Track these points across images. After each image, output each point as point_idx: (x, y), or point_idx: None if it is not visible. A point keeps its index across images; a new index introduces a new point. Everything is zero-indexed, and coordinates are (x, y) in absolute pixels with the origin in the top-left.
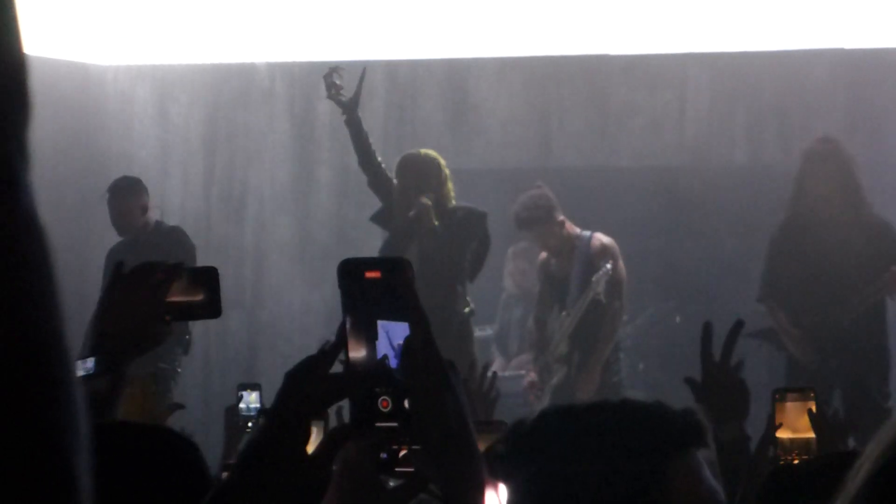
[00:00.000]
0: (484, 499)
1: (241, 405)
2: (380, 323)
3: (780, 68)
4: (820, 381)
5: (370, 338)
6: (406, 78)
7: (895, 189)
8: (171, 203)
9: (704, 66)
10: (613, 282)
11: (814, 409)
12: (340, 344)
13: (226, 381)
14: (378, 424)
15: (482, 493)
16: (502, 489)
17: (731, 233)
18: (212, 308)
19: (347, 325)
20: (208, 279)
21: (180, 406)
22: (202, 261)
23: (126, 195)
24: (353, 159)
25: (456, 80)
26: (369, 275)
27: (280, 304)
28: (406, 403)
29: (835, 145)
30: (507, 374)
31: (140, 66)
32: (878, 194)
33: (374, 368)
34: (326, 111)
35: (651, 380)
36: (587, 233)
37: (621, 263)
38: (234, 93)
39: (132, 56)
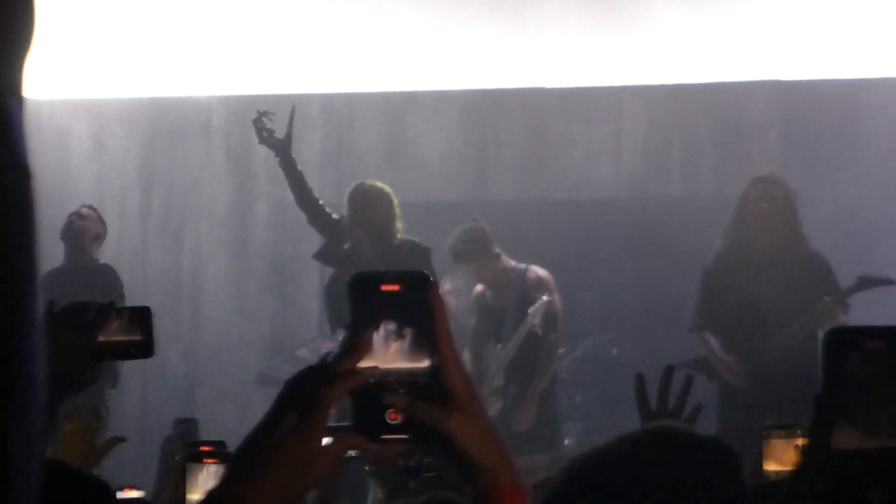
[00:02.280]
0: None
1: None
2: (392, 339)
3: (715, 100)
4: (752, 412)
5: (380, 351)
6: (343, 110)
7: (829, 221)
8: (107, 237)
9: (640, 99)
10: (549, 314)
11: (800, 443)
12: (345, 354)
13: (163, 415)
14: (384, 437)
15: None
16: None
17: (668, 264)
18: (145, 348)
19: (355, 337)
20: (141, 318)
21: (122, 439)
22: (139, 294)
23: (90, 219)
24: (290, 193)
25: (392, 113)
26: (386, 288)
27: (218, 337)
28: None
29: (780, 180)
30: None
31: (76, 100)
32: (813, 226)
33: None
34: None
35: (588, 412)
36: (523, 265)
37: (557, 296)
38: (170, 126)
39: (68, 90)
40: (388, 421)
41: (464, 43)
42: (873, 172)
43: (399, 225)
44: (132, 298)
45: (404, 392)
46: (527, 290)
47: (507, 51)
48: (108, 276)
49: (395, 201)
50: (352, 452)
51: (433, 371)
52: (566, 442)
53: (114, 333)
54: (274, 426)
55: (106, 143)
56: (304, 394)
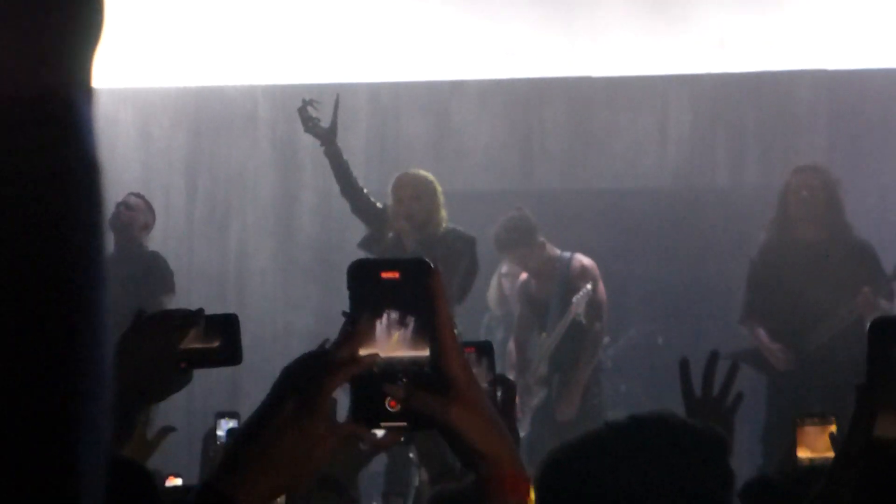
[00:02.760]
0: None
1: (219, 432)
2: (394, 328)
3: (761, 89)
4: (798, 402)
5: (382, 339)
6: (388, 100)
7: (876, 210)
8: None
9: (686, 88)
10: (594, 303)
11: (833, 431)
12: (344, 341)
13: (207, 405)
14: (384, 424)
15: (521, 490)
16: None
17: (713, 254)
18: (232, 355)
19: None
20: (227, 326)
21: (172, 429)
22: (184, 283)
23: (139, 209)
24: (335, 183)
25: (438, 102)
26: (386, 275)
27: (262, 327)
28: None
29: (821, 169)
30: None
31: (123, 90)
32: (859, 216)
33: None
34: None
35: (633, 402)
36: (567, 254)
37: (601, 285)
38: (216, 116)
39: (115, 79)
40: (388, 408)
41: (510, 32)
42: None
43: (443, 214)
44: (177, 288)
45: (405, 381)
46: (571, 279)
47: (552, 40)
48: (158, 263)
49: (440, 190)
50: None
51: (434, 359)
52: None
53: (199, 341)
54: (273, 413)
55: (152, 132)
56: (303, 381)
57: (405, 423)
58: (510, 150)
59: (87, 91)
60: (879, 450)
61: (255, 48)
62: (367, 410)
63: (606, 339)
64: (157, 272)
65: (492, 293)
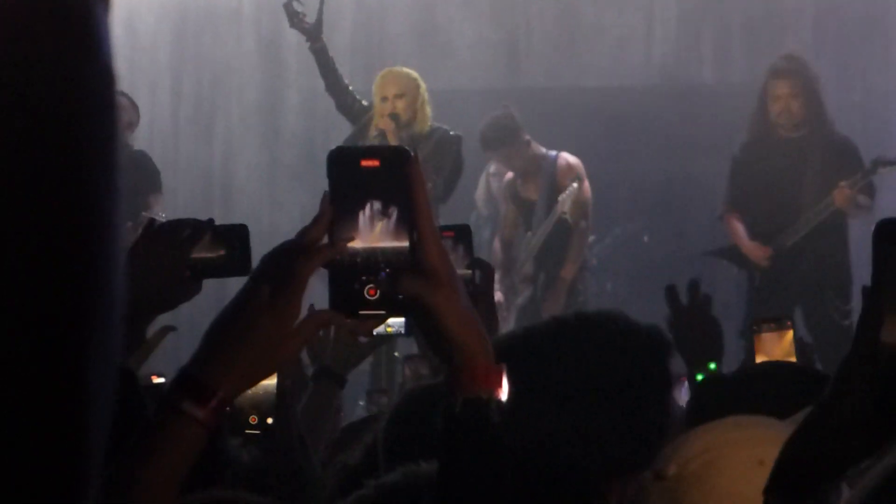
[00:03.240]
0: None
1: None
2: (377, 218)
3: None
4: (780, 299)
5: (364, 229)
6: None
7: (860, 107)
8: (139, 124)
9: None
10: (579, 201)
11: (791, 336)
12: (322, 218)
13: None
14: (362, 312)
15: (492, 381)
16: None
17: (699, 151)
18: (242, 265)
19: (335, 213)
20: (238, 236)
21: (172, 328)
22: (170, 183)
23: (123, 108)
24: (321, 81)
25: (423, 0)
26: (366, 163)
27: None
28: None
29: (798, 62)
30: None
31: None
32: (844, 112)
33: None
34: (294, 32)
35: (619, 300)
36: (553, 153)
37: (587, 183)
38: (201, 13)
39: None
40: (366, 297)
41: None
42: None
43: (428, 112)
44: (164, 187)
45: (388, 271)
46: (557, 178)
47: None
48: (144, 162)
49: (424, 87)
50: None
51: (413, 246)
52: None
53: (208, 250)
54: (248, 300)
55: (137, 28)
56: (278, 268)
57: (383, 312)
58: (495, 48)
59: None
60: (887, 354)
61: None
62: (346, 299)
63: (592, 238)
64: (144, 171)
65: (479, 192)
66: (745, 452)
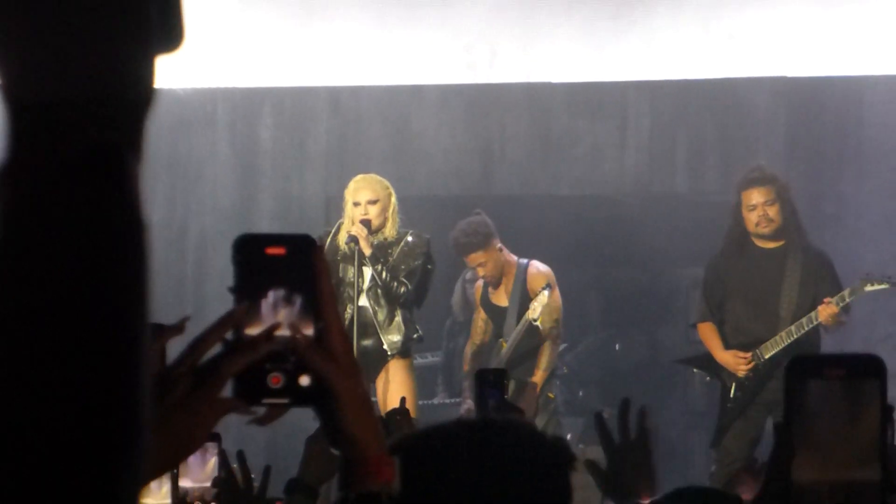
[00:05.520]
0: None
1: None
2: (281, 306)
3: (720, 96)
4: (752, 409)
5: (268, 317)
6: (349, 104)
7: (832, 217)
8: None
9: (645, 94)
10: (550, 309)
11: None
12: (226, 322)
13: None
14: (266, 401)
15: (385, 474)
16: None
17: (672, 261)
18: None
19: (242, 304)
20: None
21: None
22: None
23: None
24: (294, 186)
25: (398, 106)
26: (271, 251)
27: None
28: (302, 381)
29: (769, 171)
30: (450, 401)
31: None
32: (816, 224)
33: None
34: (268, 137)
35: (589, 407)
36: (524, 260)
37: (557, 291)
38: (175, 118)
39: None
40: (270, 385)
41: (469, 37)
42: (877, 169)
43: (398, 218)
44: None
45: (294, 359)
46: (527, 285)
47: (512, 46)
48: None
49: (394, 195)
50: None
51: (318, 336)
52: (567, 437)
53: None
54: (167, 393)
55: None
56: (202, 364)
57: (287, 400)
58: (470, 155)
59: (137, 152)
60: (797, 492)
61: (214, 50)
62: (250, 387)
63: (564, 346)
64: None
65: (455, 298)
66: None
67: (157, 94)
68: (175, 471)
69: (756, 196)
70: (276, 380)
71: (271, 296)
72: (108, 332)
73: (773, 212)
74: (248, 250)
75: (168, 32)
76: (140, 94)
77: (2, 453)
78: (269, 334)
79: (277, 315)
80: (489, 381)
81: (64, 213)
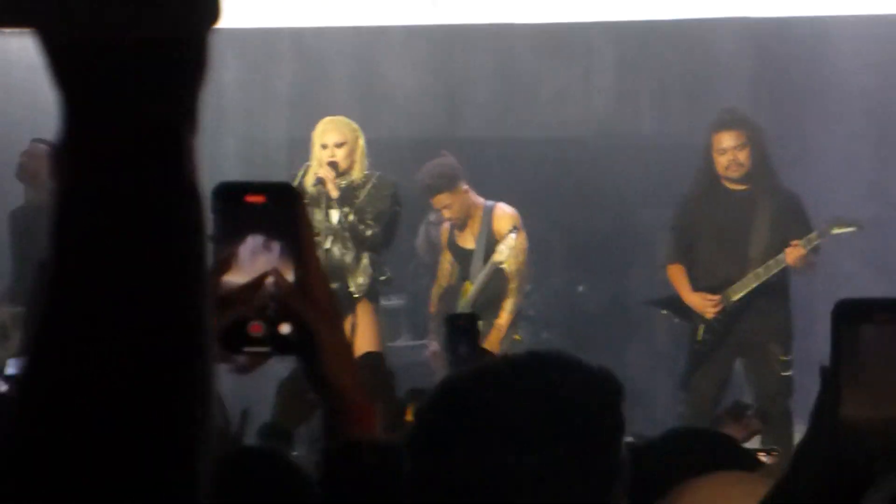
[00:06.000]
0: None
1: None
2: (260, 253)
3: (686, 37)
4: (721, 351)
5: (247, 265)
6: (313, 45)
7: (797, 158)
8: None
9: (610, 36)
10: (516, 251)
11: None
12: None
13: None
14: (246, 350)
15: (366, 423)
16: None
17: (638, 204)
18: None
19: (222, 253)
20: None
21: None
22: None
23: (39, 157)
24: (258, 129)
25: (362, 48)
26: (251, 199)
27: None
28: (283, 329)
29: (741, 114)
30: (414, 343)
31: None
32: (783, 165)
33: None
34: (232, 79)
35: (555, 348)
36: (490, 202)
37: (524, 233)
38: None
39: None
40: (251, 334)
41: None
42: (842, 111)
43: (365, 161)
44: None
45: (275, 305)
46: (494, 227)
47: None
48: None
49: (363, 137)
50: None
51: (299, 284)
52: None
53: None
54: None
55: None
56: None
57: (268, 349)
58: (435, 98)
59: (193, 127)
60: (845, 430)
61: None
62: (230, 336)
63: (529, 287)
64: None
65: (420, 240)
66: None
67: (209, 62)
68: None
69: (727, 140)
70: (256, 328)
71: (250, 243)
72: (170, 308)
73: (743, 156)
74: (227, 198)
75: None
76: (195, 69)
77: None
78: (255, 285)
79: (256, 263)
80: (460, 327)
81: (120, 193)
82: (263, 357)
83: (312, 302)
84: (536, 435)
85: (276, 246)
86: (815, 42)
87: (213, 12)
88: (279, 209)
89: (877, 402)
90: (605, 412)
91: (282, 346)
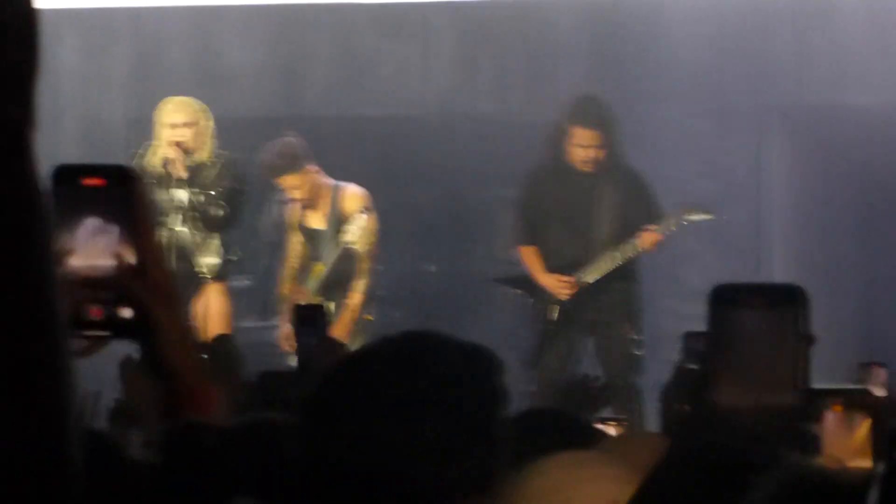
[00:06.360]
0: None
1: None
2: (98, 236)
3: (523, 16)
4: (573, 330)
5: (86, 248)
6: (150, 24)
7: (637, 137)
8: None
9: (448, 14)
10: (366, 232)
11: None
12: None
13: None
14: (86, 333)
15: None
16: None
17: (479, 182)
18: None
19: (61, 236)
20: None
21: None
22: None
23: None
24: (96, 108)
25: (200, 27)
26: (89, 182)
27: None
28: (122, 313)
29: (603, 110)
30: (262, 324)
31: (67, 10)
32: (626, 143)
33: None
34: (70, 59)
35: (406, 328)
36: (340, 183)
37: (374, 213)
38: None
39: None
40: (89, 317)
41: None
42: (680, 88)
43: (213, 142)
44: None
45: (116, 288)
46: (342, 207)
47: None
48: None
49: (211, 119)
50: None
51: (138, 267)
52: None
53: None
54: None
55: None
56: None
57: (108, 333)
58: (275, 76)
59: (31, 117)
60: (718, 417)
61: None
62: (69, 320)
63: (380, 268)
64: None
65: (265, 220)
66: (599, 491)
67: (41, 59)
68: None
69: (586, 138)
70: (96, 312)
71: (89, 226)
72: (21, 304)
73: (600, 154)
74: (66, 181)
75: None
76: (27, 59)
77: None
78: (94, 268)
79: (95, 246)
80: (306, 318)
81: None
82: (103, 341)
83: (151, 285)
84: (419, 409)
85: (114, 229)
86: (650, 19)
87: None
88: (118, 192)
89: (751, 385)
90: (481, 384)
91: (121, 329)
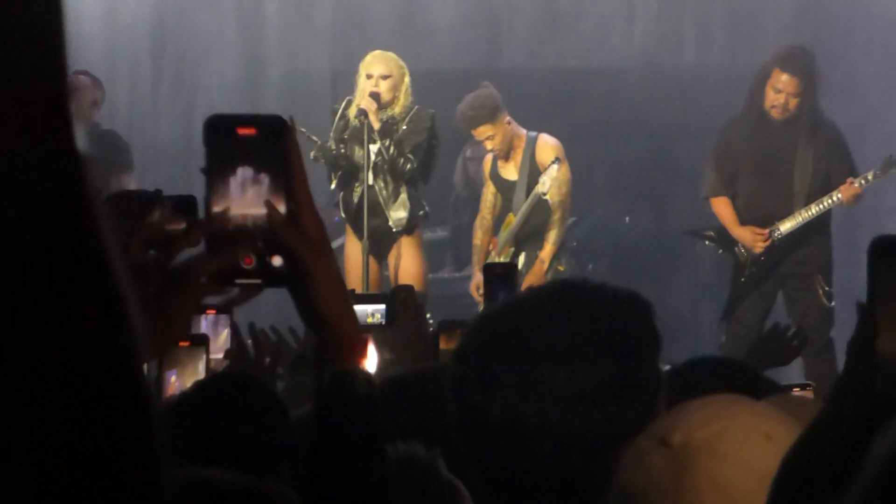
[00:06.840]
0: (359, 359)
1: None
2: (250, 185)
3: None
4: (765, 282)
5: (238, 197)
6: None
7: (840, 87)
8: (118, 104)
9: None
10: (559, 182)
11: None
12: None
13: None
14: (238, 281)
15: (358, 354)
16: (372, 351)
17: (680, 133)
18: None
19: (214, 184)
20: (188, 207)
21: None
22: (150, 162)
23: (85, 86)
24: (301, 60)
25: None
26: (242, 132)
27: None
28: (274, 261)
29: (809, 60)
30: (457, 275)
31: None
32: (824, 94)
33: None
34: (274, 12)
35: (599, 280)
36: (533, 133)
37: (566, 164)
38: None
39: None
40: (243, 265)
41: None
42: (886, 38)
43: (408, 98)
44: (143, 167)
45: (261, 237)
46: (537, 158)
47: None
48: (113, 140)
49: (408, 75)
50: None
51: (290, 216)
52: None
53: (175, 222)
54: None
55: (118, 9)
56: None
57: (260, 280)
58: (475, 29)
59: (64, 87)
60: (884, 365)
61: None
62: (222, 268)
63: (573, 219)
64: (115, 150)
65: (457, 175)
66: (753, 426)
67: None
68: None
69: (785, 82)
70: (248, 260)
71: (240, 175)
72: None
73: (793, 103)
74: (219, 131)
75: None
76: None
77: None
78: (247, 217)
79: (247, 195)
80: (497, 276)
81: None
82: (255, 289)
83: (303, 234)
84: (580, 354)
85: (266, 179)
86: None
87: None
88: (270, 142)
89: None
90: (641, 327)
91: (273, 277)
